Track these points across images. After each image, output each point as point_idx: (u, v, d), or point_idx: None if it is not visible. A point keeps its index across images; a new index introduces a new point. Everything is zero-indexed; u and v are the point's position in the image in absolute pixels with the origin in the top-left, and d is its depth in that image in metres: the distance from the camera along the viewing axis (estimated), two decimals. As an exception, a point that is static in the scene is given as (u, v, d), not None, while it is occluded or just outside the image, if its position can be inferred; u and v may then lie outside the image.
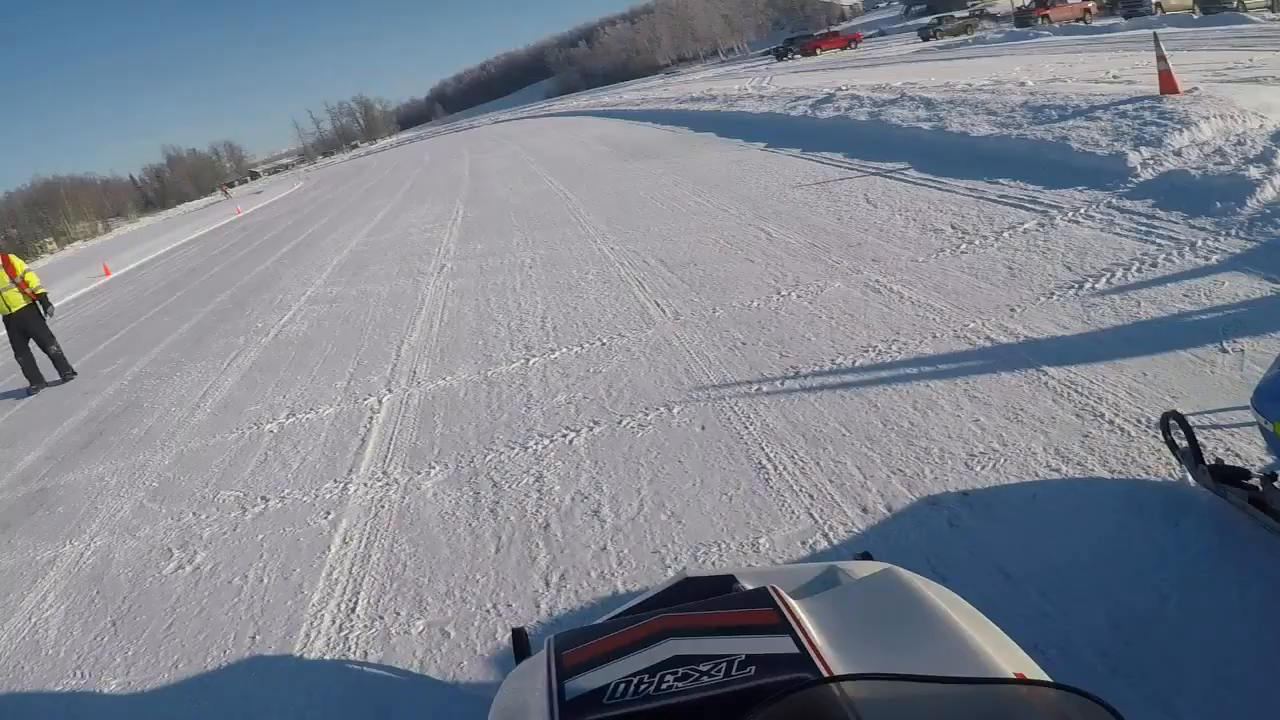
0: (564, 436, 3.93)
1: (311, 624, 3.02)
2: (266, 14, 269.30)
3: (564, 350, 5.13)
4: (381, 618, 2.95)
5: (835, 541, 2.56)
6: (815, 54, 40.31)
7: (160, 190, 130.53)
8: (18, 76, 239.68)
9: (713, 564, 2.61)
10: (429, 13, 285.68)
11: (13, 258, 8.63)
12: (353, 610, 3.04)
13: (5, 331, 8.93)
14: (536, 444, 3.94)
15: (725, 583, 1.39)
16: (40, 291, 8.61)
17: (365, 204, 20.63)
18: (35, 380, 8.73)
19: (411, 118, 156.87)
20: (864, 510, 2.69)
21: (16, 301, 8.44)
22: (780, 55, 44.00)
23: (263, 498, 4.28)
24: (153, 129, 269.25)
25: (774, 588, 1.19)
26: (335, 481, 4.22)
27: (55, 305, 9.03)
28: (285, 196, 39.55)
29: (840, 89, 12.88)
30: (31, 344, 8.70)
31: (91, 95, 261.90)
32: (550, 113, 49.77)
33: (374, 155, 70.69)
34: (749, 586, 1.33)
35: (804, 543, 2.61)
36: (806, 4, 79.28)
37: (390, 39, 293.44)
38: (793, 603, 1.15)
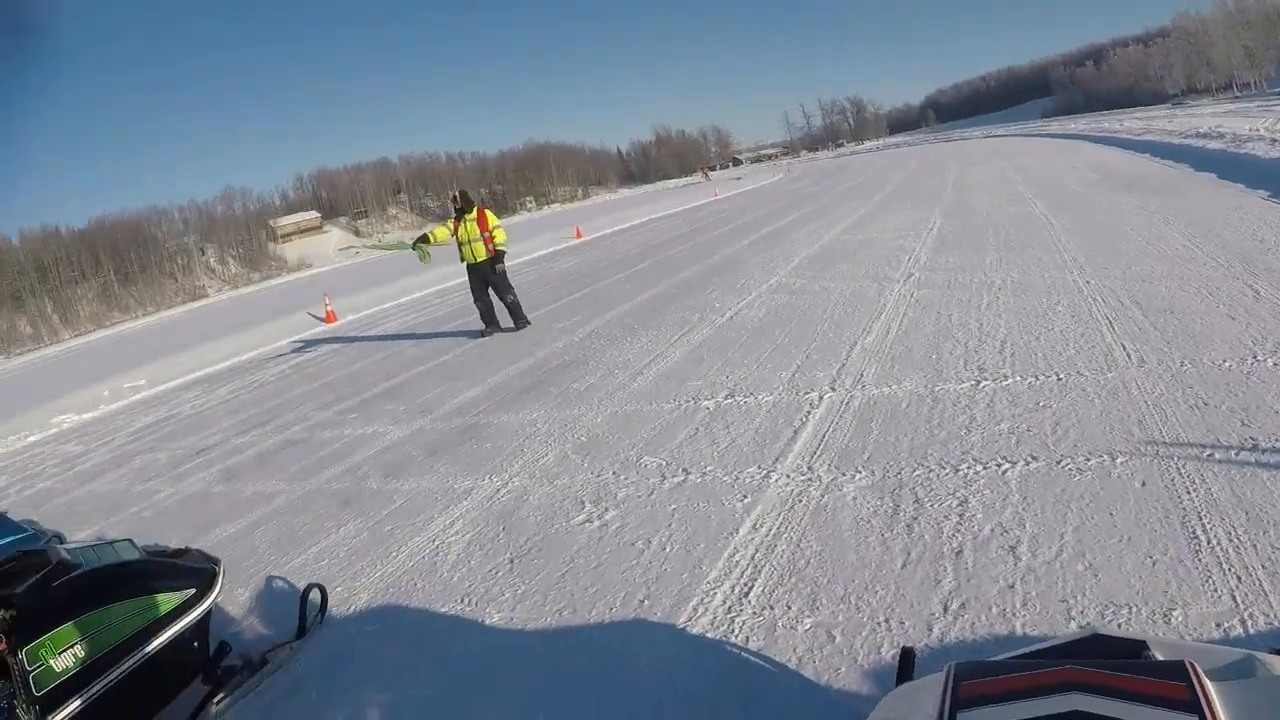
0: (998, 466, 4.35)
1: (702, 600, 3.62)
2: (770, 7, 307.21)
3: (1017, 379, 5.65)
4: (771, 608, 3.47)
5: (1252, 631, 2.75)
6: None
7: (643, 165, 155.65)
8: (523, 44, 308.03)
9: (1119, 626, 2.88)
10: (934, 20, 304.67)
11: (487, 212, 11.86)
12: (745, 595, 3.59)
13: (468, 278, 12.14)
14: (969, 468, 4.40)
15: (1136, 648, 1.51)
16: (502, 249, 11.79)
17: (842, 203, 24.27)
18: (490, 324, 11.95)
19: (901, 123, 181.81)
20: None
21: (481, 253, 11.71)
22: None
23: (684, 470, 5.18)
24: (646, 107, 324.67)
25: (1191, 663, 1.29)
26: (759, 468, 4.96)
27: (526, 259, 11.99)
28: (764, 186, 47.78)
29: None
30: (490, 292, 11.87)
31: (590, 71, 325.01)
32: (1045, 132, 54.55)
33: (857, 156, 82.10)
34: (1159, 656, 1.45)
35: (1219, 625, 2.82)
36: None
37: (892, 43, 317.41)
38: (1208, 684, 1.25)
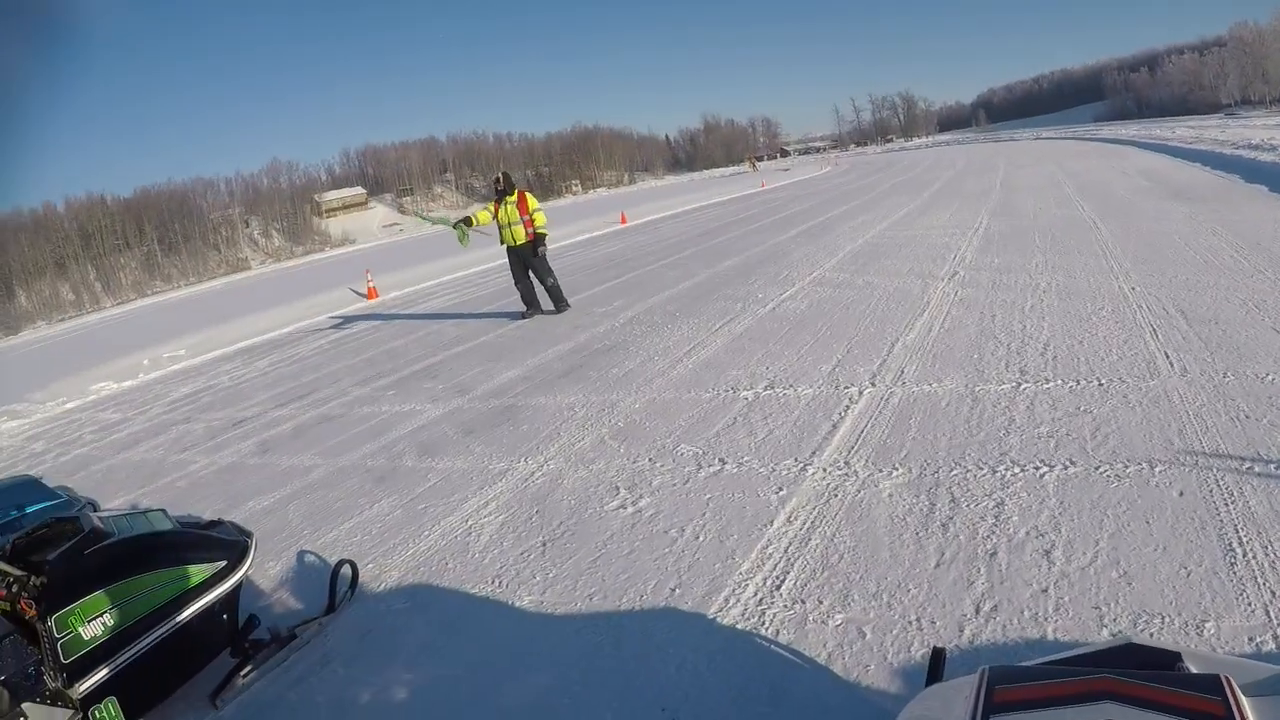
0: (1036, 469, 4.38)
1: (733, 591, 3.64)
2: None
3: (1059, 382, 5.67)
4: (803, 602, 3.49)
5: None
6: None
7: (691, 153, 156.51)
8: (575, 25, 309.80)
9: (1151, 635, 2.92)
10: (990, 18, 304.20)
11: (528, 196, 11.97)
12: (777, 588, 3.61)
13: (509, 260, 12.27)
14: (1007, 470, 4.43)
15: (1170, 659, 1.52)
16: (542, 232, 11.89)
17: (889, 199, 24.36)
18: (531, 306, 12.12)
19: (951, 121, 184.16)
20: None
21: (520, 236, 11.85)
22: None
23: (720, 460, 5.20)
24: (695, 94, 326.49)
25: (1227, 677, 1.29)
26: (796, 460, 4.97)
27: (568, 243, 12.05)
28: (811, 178, 48.55)
29: None
30: (530, 275, 12.01)
31: (640, 56, 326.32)
32: (1096, 137, 54.61)
33: (906, 152, 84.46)
34: (1194, 668, 1.47)
35: (1252, 639, 2.85)
36: None
37: (946, 40, 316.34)
38: (1243, 699, 1.26)
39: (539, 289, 12.06)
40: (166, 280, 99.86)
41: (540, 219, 11.94)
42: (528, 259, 11.99)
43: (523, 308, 12.27)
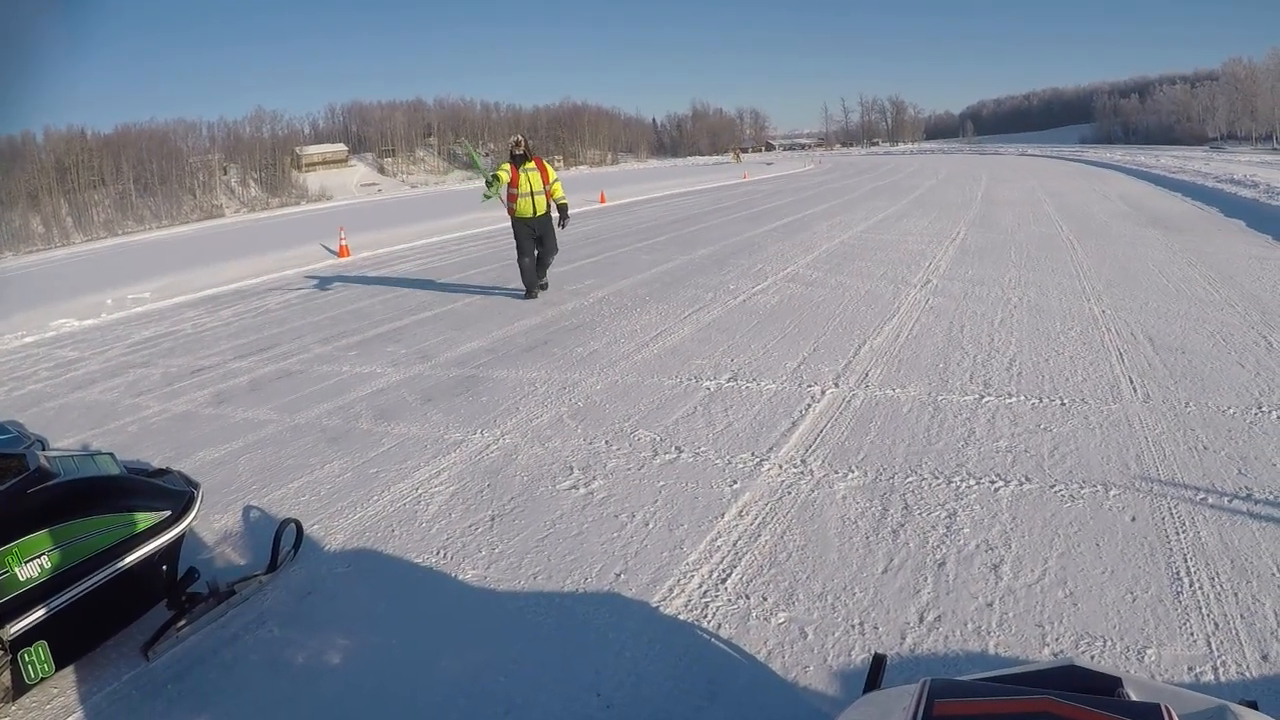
0: (991, 483, 4.41)
1: (678, 581, 3.61)
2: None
3: (1021, 398, 5.71)
4: (747, 597, 3.47)
5: (1223, 679, 2.82)
6: None
7: (676, 139, 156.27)
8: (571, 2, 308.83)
9: (1093, 658, 2.95)
10: (986, 31, 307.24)
11: (546, 164, 11.01)
12: (723, 582, 3.59)
13: (516, 231, 11.11)
14: (962, 482, 4.46)
15: (1111, 684, 1.51)
16: (564, 202, 11.21)
17: (869, 201, 24.59)
18: (532, 286, 11.21)
19: (938, 129, 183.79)
20: (1264, 658, 2.91)
21: (541, 207, 10.90)
22: None
23: (677, 448, 5.17)
24: (686, 80, 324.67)
25: (1168, 708, 1.28)
26: (753, 455, 4.96)
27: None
28: (793, 174, 48.76)
29: None
30: (536, 250, 11.14)
31: (634, 35, 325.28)
32: (1081, 158, 55.34)
33: (891, 157, 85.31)
34: (1134, 695, 1.47)
35: (1192, 669, 2.89)
36: None
37: (942, 48, 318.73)
38: None
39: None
40: (139, 221, 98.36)
41: (559, 189, 11.13)
42: (544, 232, 11.06)
43: (522, 287, 11.40)
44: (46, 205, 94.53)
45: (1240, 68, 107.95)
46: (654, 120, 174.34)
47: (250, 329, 10.88)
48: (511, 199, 10.90)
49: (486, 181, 11.16)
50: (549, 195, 10.93)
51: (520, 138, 11.22)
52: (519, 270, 11.27)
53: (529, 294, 11.18)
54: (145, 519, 3.34)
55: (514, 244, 11.12)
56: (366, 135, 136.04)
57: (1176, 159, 43.54)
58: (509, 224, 11.26)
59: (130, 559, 3.24)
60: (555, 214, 11.19)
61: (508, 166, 10.91)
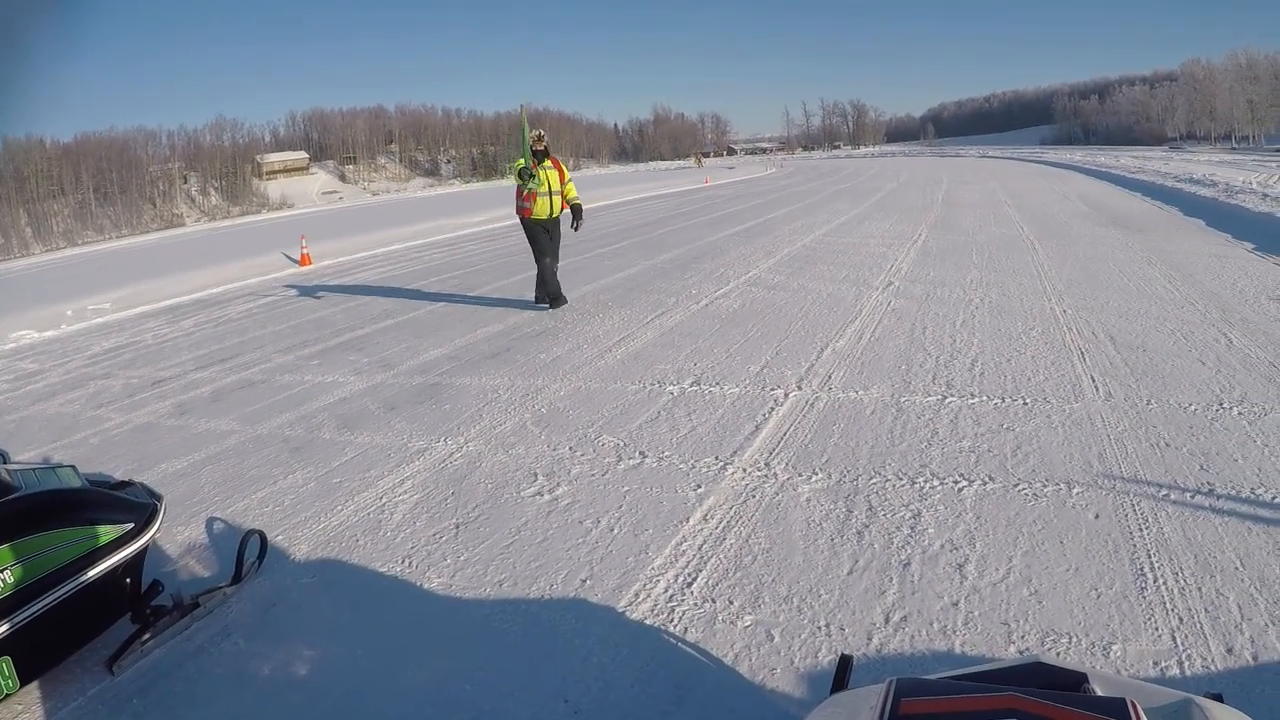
0: (955, 483, 4.45)
1: (644, 586, 3.61)
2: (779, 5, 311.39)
3: (984, 399, 5.77)
4: (713, 601, 3.47)
5: (1189, 672, 2.85)
6: None
7: (638, 144, 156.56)
8: (531, 6, 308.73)
9: (1059, 654, 2.95)
10: (946, 33, 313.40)
11: (561, 164, 10.29)
12: (689, 585, 3.58)
13: (531, 234, 10.28)
14: (926, 482, 4.49)
15: (1076, 680, 1.53)
16: (578, 204, 10.43)
17: (831, 204, 24.90)
18: (556, 297, 10.38)
19: (900, 132, 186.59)
20: (1229, 651, 2.94)
21: (557, 208, 10.20)
22: None
23: (641, 453, 5.17)
24: (647, 85, 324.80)
25: (1133, 702, 1.30)
26: (717, 459, 4.96)
27: (507, 224, 11.43)
28: (755, 179, 49.23)
29: None
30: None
31: (595, 41, 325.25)
32: (1041, 159, 56.68)
33: (852, 160, 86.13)
34: (1099, 690, 1.48)
35: (1156, 664, 2.91)
36: None
37: (902, 51, 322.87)
38: None
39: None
40: (99, 231, 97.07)
41: (572, 189, 10.37)
42: (555, 235, 10.33)
43: (535, 294, 10.64)
44: (5, 215, 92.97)
45: (1199, 68, 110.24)
46: (615, 125, 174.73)
47: (212, 339, 10.73)
48: (528, 198, 10.11)
49: (521, 173, 10.00)
50: (563, 196, 10.24)
51: (540, 132, 10.25)
52: (540, 276, 10.45)
53: (556, 300, 10.40)
54: (108, 532, 3.28)
55: (528, 249, 10.62)
56: (328, 143, 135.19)
57: (1136, 159, 44.41)
58: (467, 231, 11.00)
59: (94, 572, 3.19)
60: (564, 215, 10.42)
61: (524, 162, 10.03)
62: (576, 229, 10.55)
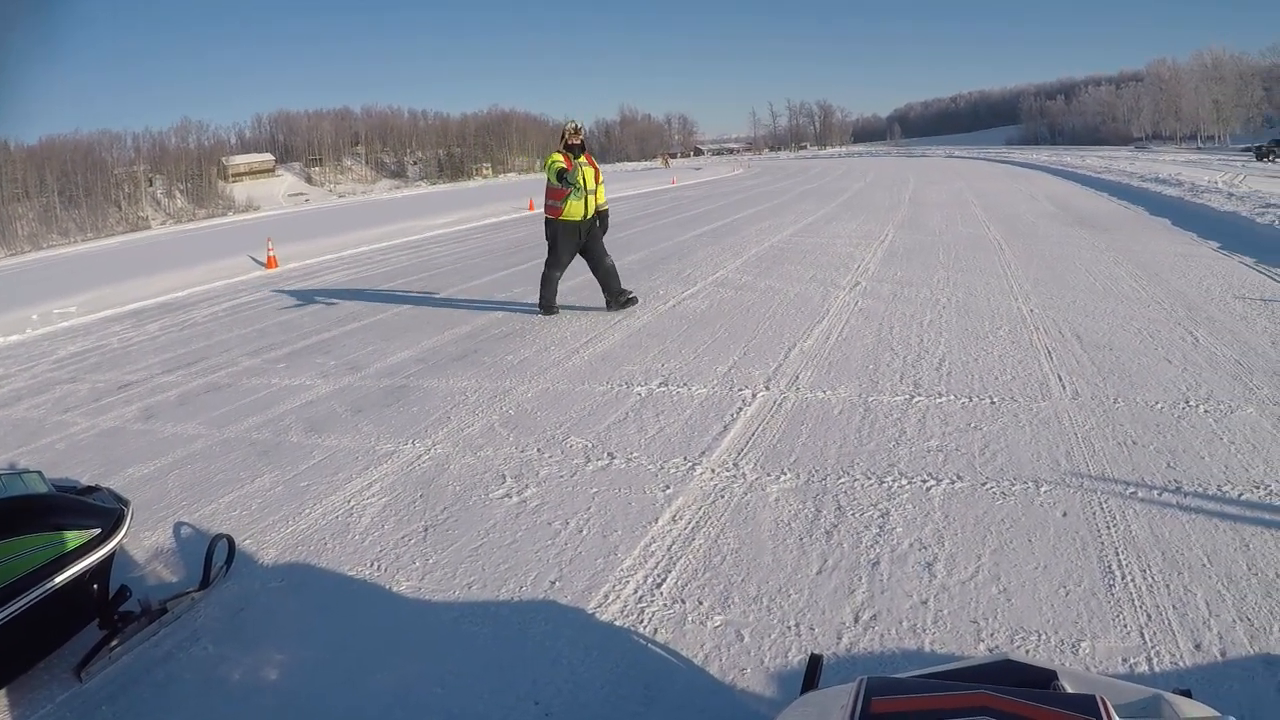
0: (923, 482, 4.44)
1: (614, 587, 3.59)
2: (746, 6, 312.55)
3: (951, 398, 5.77)
4: (683, 601, 3.45)
5: (1158, 669, 2.86)
6: None
7: (605, 145, 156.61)
8: (498, 7, 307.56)
9: (1028, 652, 2.95)
10: (912, 34, 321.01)
11: (595, 161, 9.54)
12: (658, 586, 3.57)
13: (558, 237, 9.49)
14: (894, 481, 4.48)
15: (1046, 677, 1.56)
16: (605, 208, 9.64)
17: (798, 205, 25.00)
18: (550, 307, 9.69)
19: (866, 133, 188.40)
20: (1197, 647, 2.95)
21: (591, 208, 9.34)
22: (1261, 155, 51.31)
23: (609, 454, 5.14)
24: (614, 85, 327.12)
25: (1103, 699, 1.31)
26: (685, 459, 4.95)
27: (475, 225, 11.32)
28: (722, 179, 49.53)
29: None
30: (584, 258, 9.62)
31: (563, 41, 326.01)
32: (1007, 159, 56.87)
33: (819, 160, 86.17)
34: (1069, 687, 1.51)
35: (1126, 660, 2.92)
36: None
37: (869, 52, 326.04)
38: None
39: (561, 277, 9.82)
40: (64, 234, 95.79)
41: (602, 193, 9.58)
42: (592, 237, 9.49)
43: (540, 302, 9.85)
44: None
45: (1165, 69, 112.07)
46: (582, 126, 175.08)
47: (178, 342, 10.60)
48: (559, 196, 9.24)
49: (560, 175, 9.09)
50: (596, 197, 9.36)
51: (574, 125, 9.48)
52: (542, 282, 9.75)
53: (548, 309, 9.67)
54: (75, 538, 3.22)
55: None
56: (293, 145, 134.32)
57: (1102, 159, 45.15)
58: (433, 233, 10.78)
59: (60, 579, 3.13)
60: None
61: (559, 157, 9.19)
62: (604, 231, 9.69)
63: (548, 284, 9.61)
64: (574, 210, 9.20)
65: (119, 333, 12.11)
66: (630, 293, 9.67)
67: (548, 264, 9.61)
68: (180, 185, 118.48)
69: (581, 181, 9.05)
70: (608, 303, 9.59)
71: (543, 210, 9.56)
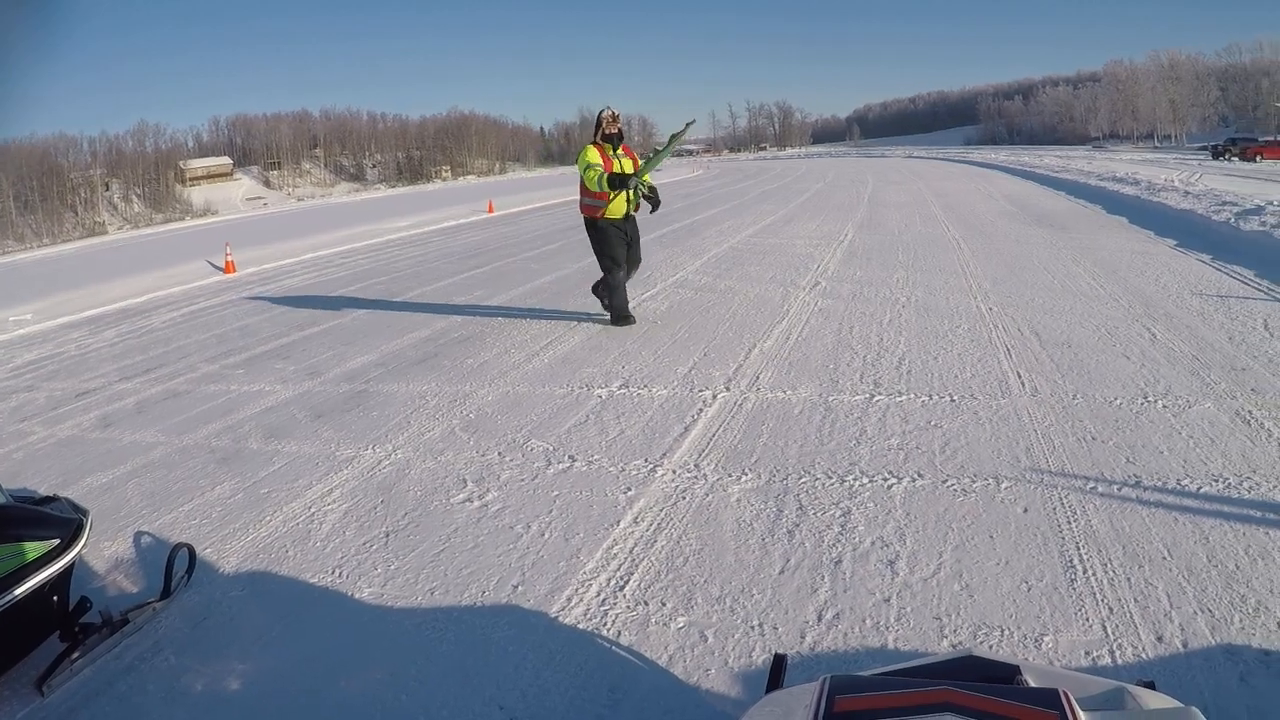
0: (884, 480, 4.45)
1: (577, 590, 3.57)
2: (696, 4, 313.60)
3: (912, 396, 5.78)
4: (646, 604, 3.44)
5: (1120, 661, 2.88)
6: (1255, 160, 45.62)
7: (564, 146, 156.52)
8: (458, 9, 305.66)
9: (991, 647, 2.97)
10: (872, 35, 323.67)
11: (634, 152, 8.48)
12: (621, 589, 3.55)
13: (603, 239, 8.50)
14: (855, 480, 4.48)
15: (1009, 671, 1.56)
16: (653, 184, 8.51)
17: (758, 205, 25.07)
18: (623, 317, 8.63)
19: (826, 133, 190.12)
20: (1159, 639, 2.98)
21: (633, 204, 8.35)
22: (1217, 154, 51.34)
23: (570, 457, 5.12)
24: (574, 87, 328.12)
25: (1066, 692, 1.32)
26: (646, 461, 4.94)
27: (434, 229, 11.11)
28: (682, 180, 49.08)
29: (1273, 203, 14.06)
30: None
31: (523, 44, 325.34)
32: (966, 159, 57.11)
33: (779, 161, 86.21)
34: (1032, 682, 1.51)
35: (1088, 653, 2.93)
36: (1260, 106, 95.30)
37: (828, 53, 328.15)
38: (1081, 714, 1.28)
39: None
40: (19, 240, 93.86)
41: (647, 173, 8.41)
42: (634, 238, 8.59)
43: (610, 307, 8.79)
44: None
45: (1121, 69, 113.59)
46: (542, 129, 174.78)
47: (135, 349, 10.42)
48: (602, 196, 8.23)
49: (602, 179, 8.07)
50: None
51: (611, 112, 8.37)
52: (609, 290, 8.71)
53: (622, 319, 8.63)
54: (34, 549, 3.15)
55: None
56: (251, 148, 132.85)
57: (1060, 158, 45.67)
58: (393, 236, 10.55)
59: (20, 591, 3.05)
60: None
61: (593, 149, 8.20)
62: (654, 210, 8.71)
63: (614, 291, 8.55)
64: (615, 208, 8.26)
65: (76, 339, 11.89)
66: (622, 317, 8.66)
67: (604, 269, 8.59)
68: (137, 190, 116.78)
69: (633, 187, 8.15)
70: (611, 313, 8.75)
71: (579, 210, 8.60)
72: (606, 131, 8.19)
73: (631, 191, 8.13)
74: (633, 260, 8.60)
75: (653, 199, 8.46)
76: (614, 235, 8.33)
